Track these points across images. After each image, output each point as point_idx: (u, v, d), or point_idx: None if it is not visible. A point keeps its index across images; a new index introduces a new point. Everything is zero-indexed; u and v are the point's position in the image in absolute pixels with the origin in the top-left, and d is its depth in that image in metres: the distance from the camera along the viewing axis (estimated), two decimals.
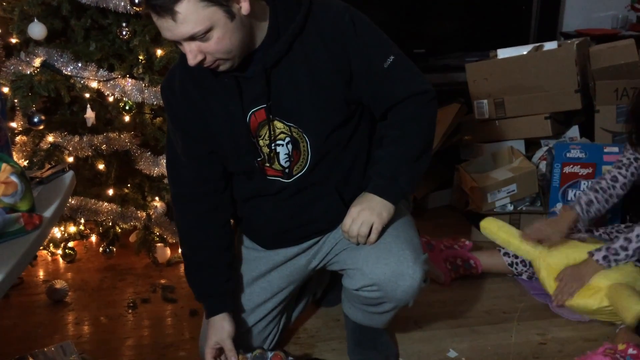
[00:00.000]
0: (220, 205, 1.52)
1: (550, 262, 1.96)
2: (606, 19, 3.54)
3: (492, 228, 2.10)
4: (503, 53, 2.68)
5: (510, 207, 2.45)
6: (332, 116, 1.41)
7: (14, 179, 1.12)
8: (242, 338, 1.57)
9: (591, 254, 1.87)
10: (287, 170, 1.45)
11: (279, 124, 1.39)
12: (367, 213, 1.40)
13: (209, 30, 1.19)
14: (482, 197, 2.43)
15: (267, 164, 1.44)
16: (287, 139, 1.40)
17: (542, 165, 2.54)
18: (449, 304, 2.05)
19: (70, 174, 1.45)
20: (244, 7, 1.23)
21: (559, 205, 2.37)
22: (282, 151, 1.42)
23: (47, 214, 1.20)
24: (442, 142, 2.72)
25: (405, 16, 3.32)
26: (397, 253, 1.41)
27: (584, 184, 2.33)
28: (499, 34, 3.44)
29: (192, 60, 1.22)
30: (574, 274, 1.88)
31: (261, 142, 1.41)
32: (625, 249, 1.83)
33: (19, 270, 1.05)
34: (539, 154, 2.61)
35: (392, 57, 1.39)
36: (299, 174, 1.46)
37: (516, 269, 2.12)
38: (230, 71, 1.31)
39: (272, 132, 1.39)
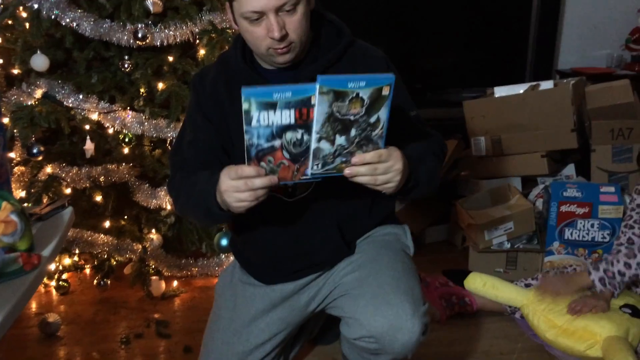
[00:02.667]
0: None
1: (538, 310, 1.97)
2: (601, 57, 3.60)
3: (477, 285, 2.11)
4: (500, 91, 2.71)
5: (508, 245, 2.45)
6: None
7: (14, 217, 1.11)
8: None
9: (589, 271, 1.90)
10: (290, 190, 1.44)
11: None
12: (400, 168, 1.26)
13: (297, 2, 1.27)
14: (479, 235, 2.43)
15: None
16: None
17: (539, 203, 2.55)
18: (445, 343, 2.04)
19: (69, 210, 1.44)
20: (312, 3, 1.35)
21: (556, 244, 2.38)
22: None
23: (46, 252, 1.19)
24: (440, 177, 2.73)
25: (403, 51, 3.37)
26: (396, 305, 1.38)
27: (581, 223, 2.34)
28: (496, 70, 3.50)
29: (278, 32, 1.27)
30: (562, 277, 1.96)
31: None
32: (622, 274, 1.84)
33: (17, 311, 1.03)
34: (536, 191, 2.62)
35: (416, 111, 1.48)
36: (302, 195, 1.45)
37: (510, 307, 2.12)
38: (263, 80, 1.37)
39: None
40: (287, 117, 1.10)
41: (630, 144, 2.52)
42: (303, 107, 1.09)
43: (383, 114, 1.14)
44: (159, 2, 2.21)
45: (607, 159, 2.55)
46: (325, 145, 1.15)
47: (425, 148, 1.43)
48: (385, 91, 1.11)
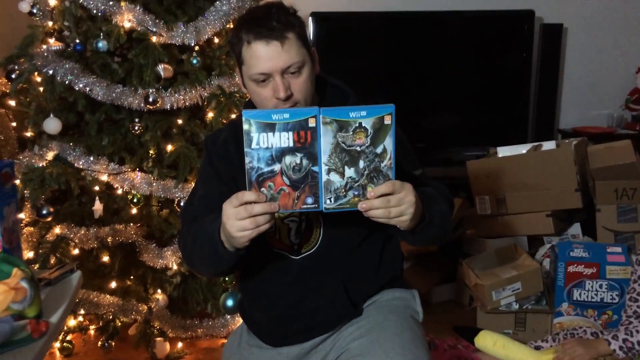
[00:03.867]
0: None
1: None
2: (602, 117, 3.66)
3: (488, 344, 2.08)
4: (503, 151, 2.75)
5: (516, 306, 2.42)
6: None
7: (24, 284, 1.12)
8: None
9: (608, 341, 1.91)
10: (295, 247, 1.45)
11: None
12: (412, 200, 1.23)
13: (302, 65, 1.32)
14: (486, 295, 2.41)
15: (277, 237, 1.45)
16: (303, 217, 1.42)
17: (546, 263, 2.54)
18: None
19: (77, 275, 1.45)
20: (316, 68, 1.40)
21: (565, 305, 2.35)
22: (295, 227, 1.43)
23: (54, 319, 1.19)
24: (451, 224, 2.73)
25: (407, 111, 3.43)
26: None
27: (589, 283, 2.32)
28: (498, 129, 3.55)
29: (283, 92, 1.31)
30: (581, 341, 1.96)
31: (276, 215, 1.42)
32: None
33: None
34: (542, 251, 2.61)
35: (421, 170, 1.50)
36: (307, 253, 1.45)
37: None
38: None
39: None
40: (285, 139, 1.14)
41: (634, 203, 2.53)
42: (301, 130, 1.14)
43: (389, 144, 1.17)
44: (169, 67, 2.28)
45: (613, 218, 2.55)
46: (335, 178, 1.17)
47: (436, 193, 1.44)
48: (387, 120, 1.16)
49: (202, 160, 1.57)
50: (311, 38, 3.18)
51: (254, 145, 1.15)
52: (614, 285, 2.31)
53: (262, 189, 1.16)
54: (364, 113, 1.14)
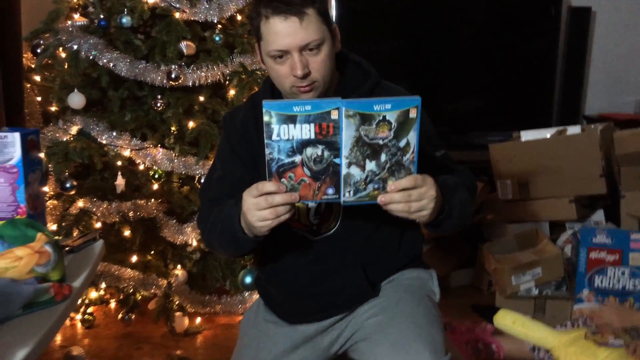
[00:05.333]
0: None
1: (570, 352, 1.91)
2: (629, 104, 3.59)
3: (507, 322, 2.04)
4: (526, 135, 2.71)
5: (535, 291, 2.40)
6: None
7: (47, 248, 1.14)
8: None
9: None
10: (314, 228, 1.44)
11: None
12: (433, 194, 1.22)
13: (321, 43, 1.28)
14: (506, 279, 2.39)
15: (295, 217, 1.43)
16: None
17: (568, 249, 2.51)
18: None
19: (99, 243, 1.46)
20: (337, 45, 1.36)
21: (586, 292, 2.32)
22: (313, 207, 1.42)
23: (76, 284, 1.21)
24: (472, 211, 2.71)
25: (429, 94, 3.40)
26: (416, 354, 1.34)
27: (611, 270, 2.29)
28: (522, 114, 3.50)
29: (301, 70, 1.28)
30: (620, 309, 1.92)
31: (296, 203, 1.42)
32: None
33: (46, 341, 1.04)
34: (564, 237, 2.58)
35: (443, 151, 1.47)
36: (327, 234, 1.45)
37: (539, 355, 2.06)
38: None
39: None
40: (307, 131, 1.10)
41: None
42: (323, 122, 1.10)
43: (412, 137, 1.13)
44: (192, 44, 2.28)
45: (638, 205, 2.50)
46: (355, 171, 1.14)
47: (457, 181, 1.41)
48: (413, 114, 1.11)
49: (220, 138, 1.56)
50: (334, 18, 3.15)
51: (274, 137, 1.11)
52: (637, 272, 2.28)
53: (283, 179, 1.14)
54: (388, 106, 1.09)
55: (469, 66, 3.46)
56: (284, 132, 1.11)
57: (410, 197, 1.18)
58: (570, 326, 2.12)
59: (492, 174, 2.75)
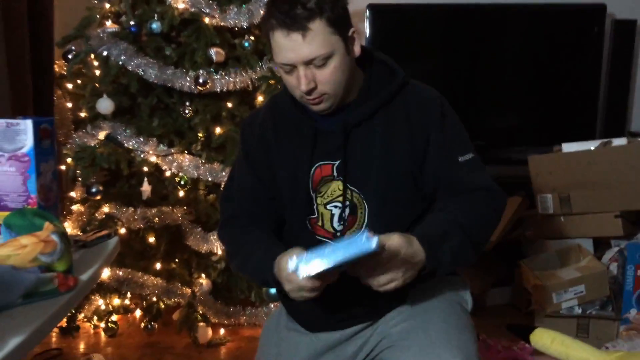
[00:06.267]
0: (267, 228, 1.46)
1: None
2: None
3: (544, 341, 1.90)
4: (568, 147, 2.58)
5: (579, 310, 2.25)
6: (397, 192, 1.36)
7: (54, 238, 1.10)
8: None
9: None
10: (338, 234, 1.38)
11: (341, 185, 1.35)
12: (403, 269, 1.23)
13: (329, 56, 1.22)
14: (546, 297, 2.25)
15: (319, 224, 1.39)
16: (347, 202, 1.35)
17: (613, 267, 2.35)
18: None
19: (114, 240, 1.42)
20: (356, 50, 1.29)
21: (633, 312, 2.16)
22: (338, 213, 1.36)
23: (84, 277, 1.16)
24: (502, 236, 2.59)
25: (467, 107, 3.31)
26: None
27: None
28: (564, 130, 3.36)
29: (305, 86, 1.24)
30: None
31: (319, 200, 1.37)
32: None
33: (44, 333, 1.00)
34: (609, 254, 2.42)
35: (470, 155, 1.38)
36: None
37: None
38: (312, 122, 1.34)
39: (332, 192, 1.35)
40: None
41: None
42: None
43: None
44: (221, 51, 2.27)
45: None
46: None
47: (453, 220, 1.31)
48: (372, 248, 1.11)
49: (238, 148, 1.51)
50: (367, 31, 3.10)
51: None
52: None
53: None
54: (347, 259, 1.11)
55: (508, 80, 3.35)
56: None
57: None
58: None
59: (532, 190, 2.62)
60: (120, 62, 2.21)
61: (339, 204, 1.37)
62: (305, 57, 1.22)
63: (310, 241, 1.41)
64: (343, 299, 1.44)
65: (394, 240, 1.19)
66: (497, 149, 3.30)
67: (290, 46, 1.21)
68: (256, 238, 1.36)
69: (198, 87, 2.21)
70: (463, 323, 1.38)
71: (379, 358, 1.45)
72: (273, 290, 2.19)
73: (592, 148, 2.54)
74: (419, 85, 1.41)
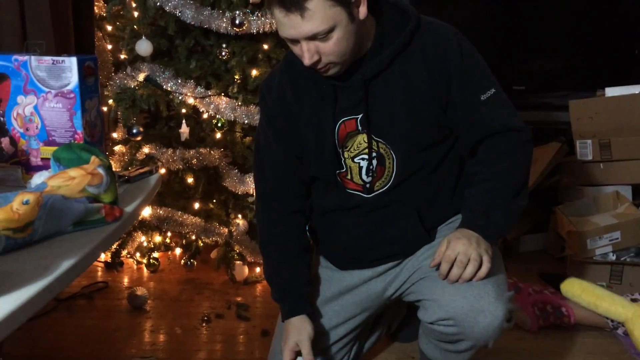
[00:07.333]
0: (300, 209, 1.50)
1: None
2: None
3: (575, 290, 1.91)
4: (612, 91, 2.50)
5: (613, 257, 2.24)
6: (422, 137, 1.36)
7: (100, 171, 1.15)
8: None
9: None
10: (367, 186, 1.40)
11: (366, 138, 1.35)
12: (464, 242, 1.29)
13: (331, 30, 1.21)
14: (580, 243, 2.24)
15: (348, 177, 1.40)
16: (374, 154, 1.36)
17: None
18: (536, 354, 1.88)
19: (156, 176, 1.48)
20: (362, 12, 1.24)
21: None
22: (366, 165, 1.38)
23: (128, 209, 1.22)
24: (539, 182, 2.56)
25: (506, 51, 3.22)
26: (478, 286, 1.30)
27: None
28: (606, 75, 3.25)
29: (308, 60, 1.23)
30: None
31: (346, 154, 1.38)
32: None
33: (93, 258, 1.06)
34: None
35: (492, 91, 1.36)
36: (380, 191, 1.41)
37: (613, 322, 1.92)
38: (330, 79, 1.32)
39: (359, 145, 1.36)
40: None
41: None
42: None
43: None
44: None
45: None
46: None
47: (492, 188, 1.36)
48: None
49: (260, 114, 1.51)
50: None
51: None
52: None
53: None
54: None
55: (549, 23, 3.24)
56: None
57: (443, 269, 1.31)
58: None
59: (571, 136, 2.57)
60: (158, 3, 2.22)
61: (366, 156, 1.38)
62: (306, 34, 1.20)
63: (341, 194, 1.44)
64: (373, 240, 1.47)
65: (442, 245, 1.31)
66: (537, 94, 3.23)
67: (290, 24, 1.20)
68: (290, 268, 1.48)
69: (235, 28, 2.21)
70: (493, 254, 1.40)
71: (410, 291, 1.49)
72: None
73: (637, 92, 2.46)
74: (433, 24, 1.37)
